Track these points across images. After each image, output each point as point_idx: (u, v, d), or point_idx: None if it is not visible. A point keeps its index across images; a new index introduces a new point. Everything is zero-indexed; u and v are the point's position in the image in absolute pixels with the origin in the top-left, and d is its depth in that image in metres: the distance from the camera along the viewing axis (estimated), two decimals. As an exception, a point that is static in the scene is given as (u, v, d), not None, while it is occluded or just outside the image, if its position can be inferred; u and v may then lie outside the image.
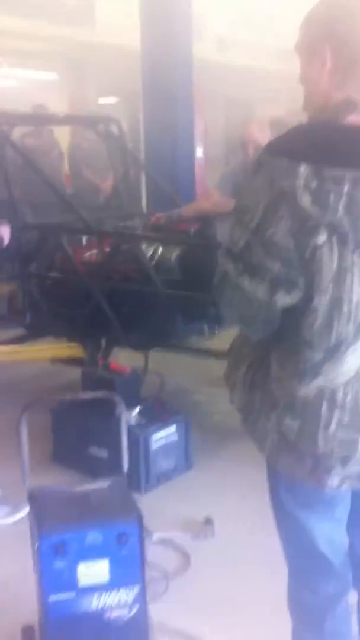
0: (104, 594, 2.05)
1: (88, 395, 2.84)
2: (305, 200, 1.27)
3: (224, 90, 11.53)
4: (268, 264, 1.34)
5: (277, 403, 1.49)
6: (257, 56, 11.79)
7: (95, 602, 2.04)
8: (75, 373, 4.14)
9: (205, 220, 3.71)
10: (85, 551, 2.01)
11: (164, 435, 3.51)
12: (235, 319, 1.52)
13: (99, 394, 2.68)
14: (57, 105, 8.64)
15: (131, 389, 3.52)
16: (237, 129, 9.59)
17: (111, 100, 10.97)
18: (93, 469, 3.34)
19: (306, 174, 1.26)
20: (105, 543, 2.02)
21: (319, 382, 1.40)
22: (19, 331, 4.37)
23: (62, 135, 7.89)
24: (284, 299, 1.38)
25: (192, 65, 5.99)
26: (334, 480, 1.48)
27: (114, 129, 4.83)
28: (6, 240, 3.11)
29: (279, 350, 1.48)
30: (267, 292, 1.37)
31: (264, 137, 4.10)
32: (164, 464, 3.51)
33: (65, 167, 7.91)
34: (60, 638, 2.05)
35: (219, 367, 4.55)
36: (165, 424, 3.52)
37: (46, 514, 2.07)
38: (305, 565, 1.68)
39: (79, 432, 3.57)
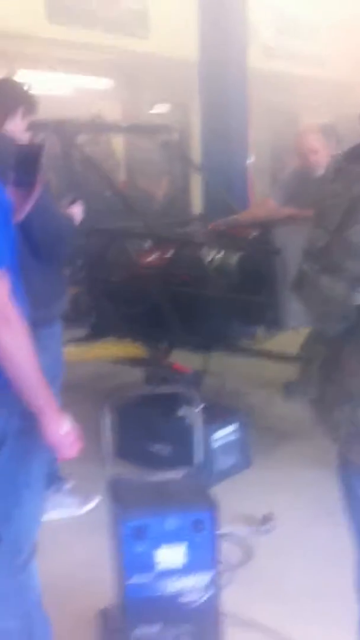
0: (180, 578, 2.15)
1: (166, 390, 2.96)
2: None
3: (268, 98, 11.60)
4: (346, 264, 1.44)
5: (351, 396, 1.57)
6: (302, 64, 11.85)
7: (172, 586, 2.15)
8: (136, 373, 4.27)
9: (265, 227, 3.81)
10: (164, 536, 2.12)
11: (224, 434, 3.62)
12: (313, 316, 1.62)
13: (177, 389, 2.80)
14: (111, 113, 8.82)
15: (193, 388, 3.62)
16: (283, 137, 9.62)
17: (163, 109, 11.13)
18: (156, 466, 3.46)
19: None
20: (182, 529, 2.13)
21: None
22: (83, 331, 4.51)
23: (116, 145, 8.07)
24: None
25: (246, 75, 6.09)
26: None
27: (174, 137, 4.95)
28: (78, 218, 3.20)
29: (354, 345, 1.57)
30: (345, 289, 1.47)
31: (320, 144, 4.19)
32: (224, 462, 3.62)
33: (120, 175, 8.08)
34: (138, 619, 2.16)
35: (274, 370, 4.67)
36: (225, 423, 3.63)
37: (126, 500, 2.18)
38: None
39: (143, 429, 3.69)
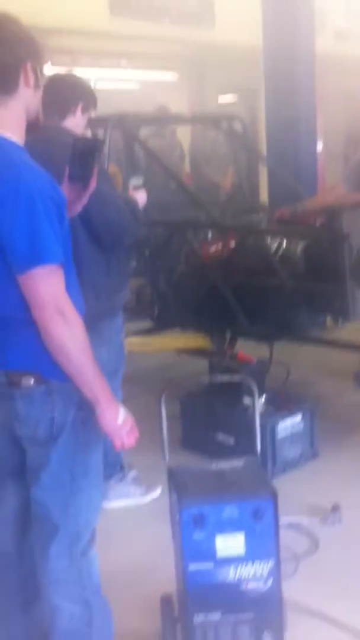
0: (240, 565, 2.14)
1: (224, 378, 2.96)
2: None
3: (343, 83, 11.39)
4: None
5: None
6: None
7: (232, 573, 2.15)
8: (200, 364, 4.28)
9: (332, 213, 3.73)
10: (223, 524, 2.11)
11: (290, 424, 3.59)
12: None
13: (235, 378, 2.79)
14: (177, 105, 8.84)
15: (257, 378, 3.59)
16: (357, 123, 9.41)
17: (229, 98, 11.08)
18: (220, 455, 3.45)
19: None
20: (242, 517, 2.12)
21: None
22: (147, 323, 4.56)
23: (183, 136, 8.09)
24: None
25: (314, 60, 5.98)
26: None
27: (237, 126, 4.93)
28: (142, 203, 3.20)
29: None
30: None
31: None
32: (290, 451, 3.58)
33: (186, 166, 8.10)
34: (199, 605, 2.16)
35: (342, 359, 4.59)
36: (290, 412, 3.60)
37: (185, 488, 2.19)
38: None
39: (207, 419, 3.70)
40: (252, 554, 2.15)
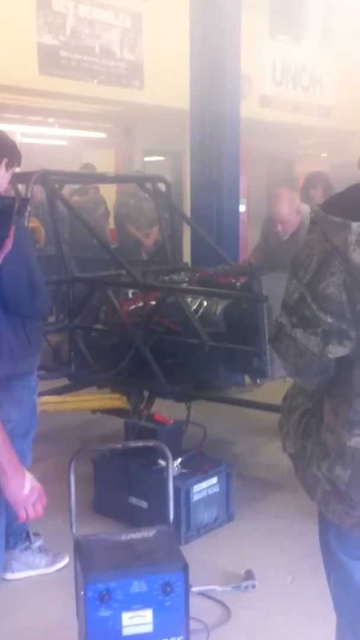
0: (147, 643, 2.06)
1: (137, 443, 2.89)
2: (357, 255, 1.33)
3: (266, 146, 11.79)
4: (321, 317, 1.39)
5: (328, 452, 1.51)
6: (301, 114, 12.05)
7: (139, 652, 2.06)
8: (117, 423, 4.21)
9: (252, 274, 3.80)
10: (130, 600, 2.02)
11: (205, 487, 3.53)
12: (290, 370, 1.56)
13: (148, 442, 2.73)
14: (104, 162, 8.91)
15: (173, 439, 3.55)
16: (279, 184, 9.69)
17: (156, 158, 11.27)
18: (133, 520, 3.38)
19: (358, 230, 1.32)
20: (150, 592, 2.03)
21: None
22: (63, 381, 4.46)
23: (109, 193, 8.13)
24: (336, 350, 1.42)
25: (239, 124, 6.13)
26: None
27: (161, 186, 4.98)
28: None
29: (332, 400, 1.51)
30: (319, 343, 1.42)
31: (292, 215, 4.31)
32: (205, 515, 3.52)
33: (111, 223, 8.14)
34: None
35: (260, 419, 4.59)
36: (206, 475, 3.54)
37: (92, 561, 2.09)
38: (353, 612, 1.68)
39: (120, 482, 3.60)
40: (160, 631, 2.05)
